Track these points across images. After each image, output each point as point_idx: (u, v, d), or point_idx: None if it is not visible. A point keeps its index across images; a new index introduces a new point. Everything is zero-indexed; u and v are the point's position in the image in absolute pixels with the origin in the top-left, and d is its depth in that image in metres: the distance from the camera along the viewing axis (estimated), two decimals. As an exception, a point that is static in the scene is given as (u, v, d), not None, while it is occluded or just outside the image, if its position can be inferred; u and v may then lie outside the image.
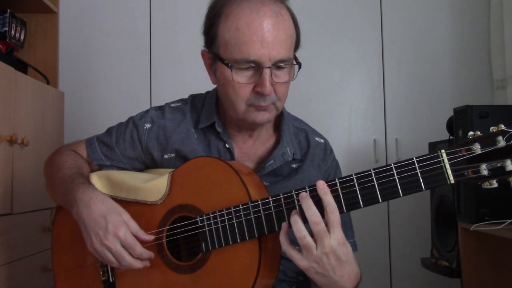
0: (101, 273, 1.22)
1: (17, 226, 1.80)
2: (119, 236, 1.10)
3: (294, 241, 1.01)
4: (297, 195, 1.02)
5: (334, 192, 1.00)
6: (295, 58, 1.17)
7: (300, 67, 1.17)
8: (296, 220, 0.99)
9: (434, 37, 2.76)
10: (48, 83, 2.25)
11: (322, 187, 0.99)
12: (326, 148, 1.32)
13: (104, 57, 2.74)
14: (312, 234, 0.99)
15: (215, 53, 1.17)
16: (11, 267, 1.74)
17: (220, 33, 1.14)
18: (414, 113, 2.73)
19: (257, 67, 1.11)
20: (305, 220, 0.99)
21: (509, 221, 1.79)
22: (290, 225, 1.01)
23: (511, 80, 2.50)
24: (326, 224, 0.98)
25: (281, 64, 1.13)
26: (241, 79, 1.13)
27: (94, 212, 1.12)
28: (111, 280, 1.21)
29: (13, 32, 2.05)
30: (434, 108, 2.70)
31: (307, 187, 1.02)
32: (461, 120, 1.94)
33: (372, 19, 2.76)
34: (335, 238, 0.97)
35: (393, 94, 2.75)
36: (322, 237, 0.97)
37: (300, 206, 1.01)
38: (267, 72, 1.10)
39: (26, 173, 1.88)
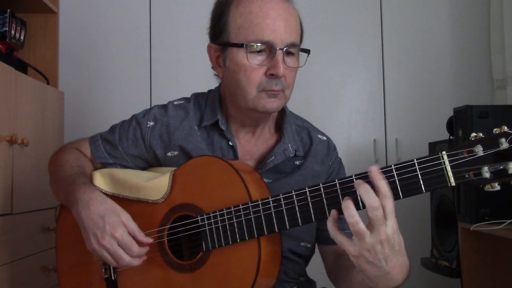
0: (103, 270, 1.23)
1: (17, 226, 1.80)
2: (115, 236, 1.11)
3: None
4: (297, 195, 1.02)
5: (333, 193, 0.99)
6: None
7: (309, 53, 1.19)
8: (348, 206, 0.92)
9: (434, 37, 2.77)
10: (48, 83, 2.25)
11: (376, 172, 0.93)
12: (329, 145, 1.33)
13: (104, 57, 2.74)
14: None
15: (225, 42, 1.18)
16: (11, 267, 1.74)
17: (231, 20, 1.16)
18: (414, 113, 2.73)
19: (269, 49, 1.14)
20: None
21: (509, 221, 1.79)
22: (340, 213, 0.96)
23: (511, 80, 2.51)
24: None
25: (292, 49, 1.15)
26: (254, 61, 1.14)
27: (92, 212, 1.13)
28: (113, 278, 1.22)
29: (13, 32, 2.05)
30: (434, 108, 2.70)
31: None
32: (461, 120, 1.94)
33: (372, 19, 2.76)
34: (391, 226, 0.91)
35: (393, 94, 2.75)
36: (379, 224, 0.90)
37: (302, 205, 1.01)
38: (280, 53, 1.13)
39: (26, 173, 1.88)
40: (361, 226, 0.91)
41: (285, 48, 1.14)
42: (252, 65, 1.14)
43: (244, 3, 1.15)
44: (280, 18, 1.13)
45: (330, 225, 0.96)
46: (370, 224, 0.92)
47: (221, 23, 1.18)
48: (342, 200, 0.96)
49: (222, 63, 1.21)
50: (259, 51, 1.14)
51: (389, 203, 0.92)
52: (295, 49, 1.17)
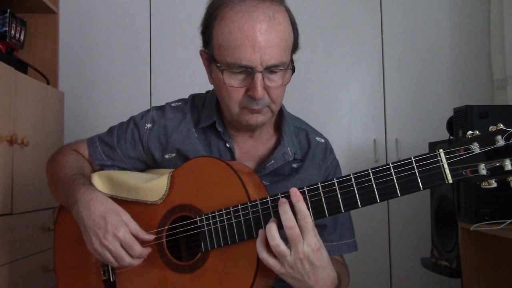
0: (102, 272, 1.22)
1: (17, 226, 1.80)
2: (118, 236, 1.11)
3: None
4: (296, 194, 1.02)
5: (332, 192, 1.00)
6: (292, 61, 1.17)
7: (293, 71, 1.16)
8: (270, 229, 1.00)
9: (434, 37, 2.77)
10: (48, 83, 2.25)
11: (294, 194, 1.00)
12: (327, 148, 1.32)
13: (104, 57, 2.75)
14: (286, 241, 1.00)
15: (210, 54, 1.17)
16: (11, 267, 1.74)
17: (214, 35, 1.14)
18: (414, 113, 2.73)
19: (249, 71, 1.11)
20: (281, 226, 1.00)
21: (509, 221, 1.79)
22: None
23: (511, 80, 2.50)
24: (300, 230, 0.99)
25: (274, 69, 1.12)
26: (234, 82, 1.13)
27: (93, 213, 1.13)
28: (111, 280, 1.21)
29: (13, 32, 2.05)
30: (434, 108, 2.70)
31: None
32: (461, 120, 1.94)
33: (372, 19, 2.76)
34: (308, 244, 0.98)
35: (393, 94, 2.75)
36: (296, 242, 0.98)
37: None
38: (258, 76, 1.10)
39: (26, 173, 1.88)
40: (282, 248, 0.99)
41: (264, 71, 1.10)
42: (231, 86, 1.13)
43: (225, 20, 1.11)
44: (261, 38, 1.08)
45: (259, 246, 1.02)
46: (289, 243, 0.99)
47: (207, 34, 1.17)
48: (341, 199, 1.00)
49: (210, 71, 1.21)
50: (239, 72, 1.12)
51: (304, 223, 0.99)
52: (277, 68, 1.12)
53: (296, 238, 0.98)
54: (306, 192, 1.02)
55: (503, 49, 2.55)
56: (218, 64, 1.13)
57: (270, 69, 1.11)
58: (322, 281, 1.02)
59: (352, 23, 2.77)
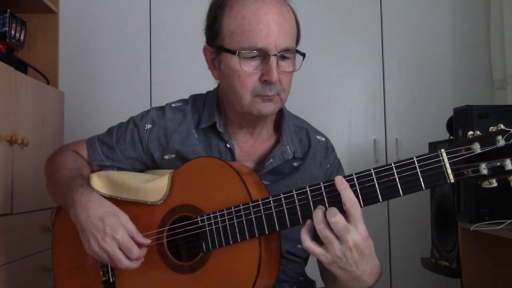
0: (101, 273, 1.22)
1: (17, 226, 1.80)
2: (116, 238, 1.11)
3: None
4: (298, 194, 1.02)
5: (334, 192, 1.00)
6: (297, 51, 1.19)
7: (304, 57, 1.18)
8: (316, 213, 0.98)
9: (434, 37, 2.77)
10: (48, 83, 2.25)
11: (340, 182, 0.99)
12: (328, 146, 1.32)
13: (104, 57, 2.75)
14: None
15: (219, 45, 1.17)
16: (11, 267, 1.74)
17: (224, 24, 1.15)
18: (414, 113, 2.73)
19: (263, 55, 1.13)
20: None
21: (509, 221, 1.79)
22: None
23: (511, 80, 2.51)
24: (348, 219, 0.97)
25: (286, 54, 1.14)
26: (248, 68, 1.14)
27: (91, 214, 1.13)
28: (111, 280, 1.21)
29: (13, 32, 2.05)
30: (434, 108, 2.71)
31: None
32: (461, 120, 1.94)
33: (372, 19, 2.76)
34: (359, 233, 0.97)
35: (393, 94, 2.75)
36: (343, 234, 0.96)
37: (303, 205, 1.02)
38: (273, 59, 1.12)
39: (26, 173, 1.88)
40: (328, 232, 0.97)
41: (279, 54, 1.13)
42: (246, 72, 1.13)
43: (237, 7, 1.14)
44: (274, 23, 1.11)
45: (304, 235, 1.01)
46: (337, 236, 0.97)
47: (215, 26, 1.18)
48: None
49: (217, 66, 1.21)
50: (253, 57, 1.13)
51: (354, 211, 0.97)
52: (289, 53, 1.15)
53: (343, 230, 0.96)
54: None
55: (503, 49, 2.55)
56: (232, 50, 1.14)
57: (282, 55, 1.14)
58: (370, 270, 1.02)
59: (352, 23, 2.77)
